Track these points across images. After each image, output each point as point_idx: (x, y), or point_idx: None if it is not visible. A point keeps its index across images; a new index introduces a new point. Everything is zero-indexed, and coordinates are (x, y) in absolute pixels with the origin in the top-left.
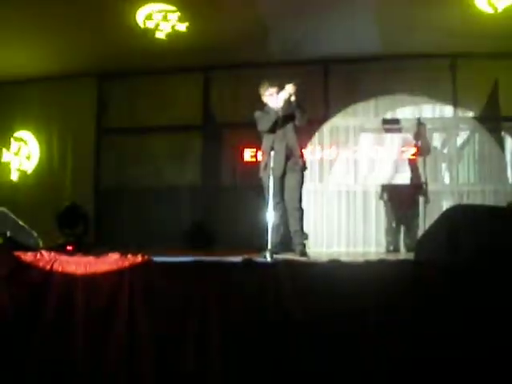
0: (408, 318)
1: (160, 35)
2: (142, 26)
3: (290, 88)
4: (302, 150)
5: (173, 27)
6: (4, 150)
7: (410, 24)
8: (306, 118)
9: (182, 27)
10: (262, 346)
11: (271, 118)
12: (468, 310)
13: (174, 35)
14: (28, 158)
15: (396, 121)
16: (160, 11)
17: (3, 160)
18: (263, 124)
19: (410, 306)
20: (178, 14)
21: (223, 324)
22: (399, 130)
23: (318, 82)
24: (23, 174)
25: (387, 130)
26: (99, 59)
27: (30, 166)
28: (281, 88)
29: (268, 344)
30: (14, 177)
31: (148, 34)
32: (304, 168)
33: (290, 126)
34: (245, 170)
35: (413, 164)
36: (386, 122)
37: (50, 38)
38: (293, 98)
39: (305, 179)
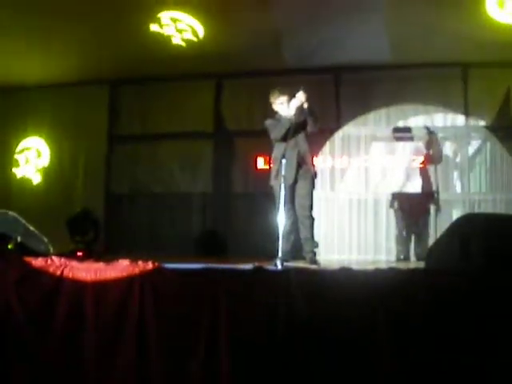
0: (419, 326)
1: (176, 41)
2: (155, 32)
3: (301, 95)
4: (314, 158)
5: (187, 34)
6: (16, 155)
7: (421, 32)
8: (317, 125)
9: (196, 34)
10: (271, 354)
11: (284, 126)
12: (481, 316)
13: (187, 42)
14: (39, 164)
15: (407, 129)
16: (174, 19)
17: (15, 166)
18: (276, 132)
19: (421, 314)
20: (193, 21)
21: (233, 331)
22: (410, 139)
23: (330, 91)
24: (35, 180)
25: (398, 139)
26: (111, 66)
27: (41, 172)
28: (291, 96)
29: (278, 351)
30: (26, 182)
31: (162, 40)
32: (315, 176)
33: (301, 134)
34: (256, 178)
35: (424, 173)
36: (397, 130)
37: (62, 45)
38: (305, 105)
39: (316, 187)
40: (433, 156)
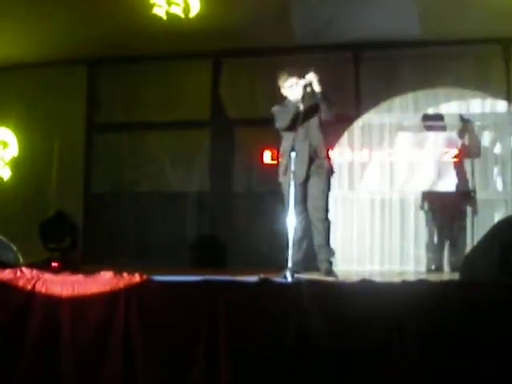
0: (452, 349)
1: (158, 11)
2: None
3: (310, 76)
4: (329, 151)
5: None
6: None
7: (455, 2)
8: (333, 112)
9: (188, 10)
10: (277, 371)
11: (290, 112)
12: None
13: (171, 16)
14: (6, 158)
15: (439, 117)
16: None
17: None
18: (281, 120)
19: (455, 334)
20: None
21: (235, 354)
22: (443, 128)
23: (348, 72)
24: (0, 178)
25: (429, 128)
26: (90, 42)
27: (8, 169)
28: (301, 77)
29: (285, 368)
30: None
31: (149, 11)
32: (331, 172)
33: (314, 122)
34: (261, 175)
35: (459, 168)
36: (427, 118)
37: (28, 17)
38: (316, 88)
39: (332, 185)
40: (469, 148)
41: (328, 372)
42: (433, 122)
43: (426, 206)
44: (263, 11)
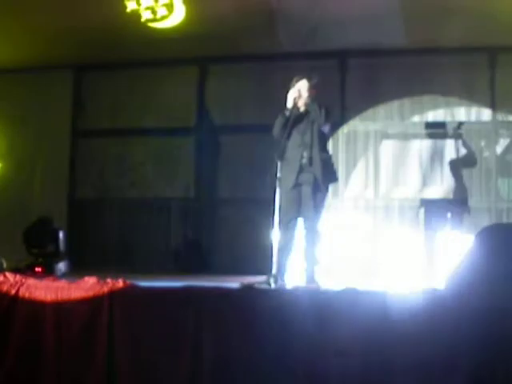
0: (437, 356)
1: (147, 16)
2: (128, 8)
3: (300, 84)
4: (330, 158)
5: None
6: None
7: (441, 12)
8: (327, 119)
9: (176, 11)
10: (262, 376)
11: (281, 120)
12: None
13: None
14: None
15: (427, 125)
16: None
17: None
18: (274, 128)
19: (440, 343)
20: None
21: (217, 359)
22: (430, 136)
23: (334, 79)
24: None
25: (416, 136)
26: (76, 48)
27: None
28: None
29: (269, 374)
30: None
31: (136, 17)
32: (333, 179)
33: (310, 130)
34: (247, 180)
35: (445, 175)
36: (414, 126)
37: (15, 23)
38: (305, 96)
39: (326, 195)
40: (464, 156)
41: (310, 375)
42: (435, 129)
43: (411, 213)
44: (250, 17)
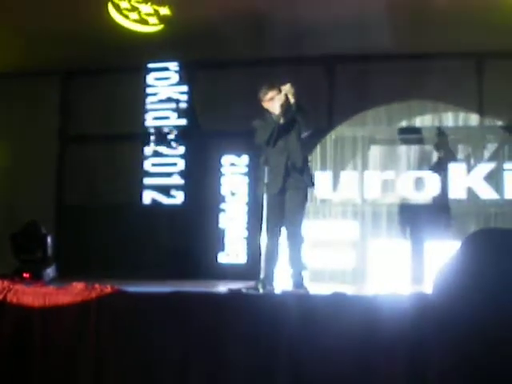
0: (426, 361)
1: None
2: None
3: (286, 89)
4: (308, 164)
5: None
6: None
7: (428, 18)
8: (309, 126)
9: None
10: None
11: (268, 128)
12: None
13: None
14: None
15: (416, 130)
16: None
17: None
18: (259, 136)
19: (427, 347)
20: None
21: (205, 363)
22: (419, 141)
23: (321, 84)
24: None
25: (404, 141)
26: (64, 53)
27: None
28: (280, 90)
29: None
30: None
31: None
32: (310, 184)
33: (292, 135)
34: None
35: (433, 180)
36: (402, 131)
37: (2, 28)
38: (291, 101)
39: (308, 199)
40: (443, 161)
41: (298, 379)
42: (408, 135)
43: (399, 218)
44: (237, 22)
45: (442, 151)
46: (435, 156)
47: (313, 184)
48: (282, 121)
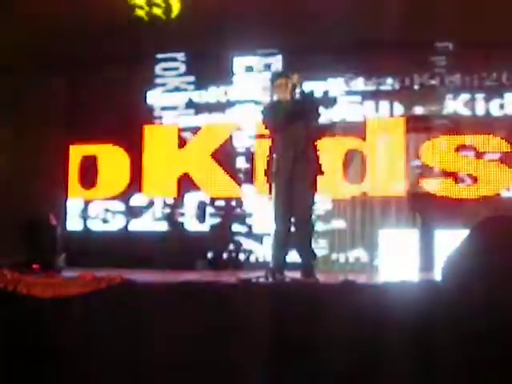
0: (435, 348)
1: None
2: None
3: (294, 78)
4: (317, 152)
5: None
6: None
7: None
8: (319, 115)
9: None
10: (256, 373)
11: (277, 113)
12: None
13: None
14: None
15: (424, 118)
16: None
17: None
18: (272, 119)
19: (436, 335)
20: None
21: (213, 351)
22: (427, 129)
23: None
24: None
25: (412, 129)
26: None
27: None
28: (289, 78)
29: (264, 371)
30: None
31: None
32: (318, 173)
33: (300, 124)
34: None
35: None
36: (411, 119)
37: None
38: (298, 90)
39: (318, 187)
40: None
41: (304, 372)
42: (418, 122)
43: (410, 206)
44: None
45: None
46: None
47: (322, 172)
48: (290, 108)
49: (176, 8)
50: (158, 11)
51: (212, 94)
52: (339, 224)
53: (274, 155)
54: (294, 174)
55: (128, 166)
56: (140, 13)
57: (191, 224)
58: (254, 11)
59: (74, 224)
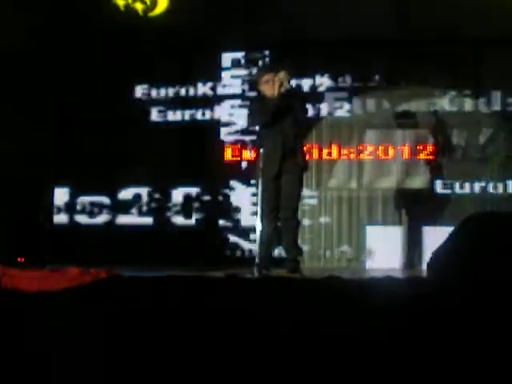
0: (419, 346)
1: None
2: None
3: (281, 74)
4: (303, 148)
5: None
6: None
7: (427, 2)
8: (305, 110)
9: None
10: (240, 373)
11: (269, 108)
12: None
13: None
14: None
15: (411, 115)
16: None
17: None
18: (259, 116)
19: (420, 332)
20: None
21: (200, 347)
22: (414, 126)
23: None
24: None
25: (400, 126)
26: None
27: None
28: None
29: (248, 371)
30: None
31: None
32: (305, 169)
33: (288, 120)
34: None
35: (428, 165)
36: (398, 116)
37: None
38: (287, 86)
39: (303, 183)
40: (439, 145)
41: (291, 369)
42: (404, 119)
43: (394, 203)
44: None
45: (438, 136)
46: (431, 140)
47: (307, 168)
48: (277, 104)
49: (163, 4)
50: (138, 6)
51: (199, 90)
52: (325, 220)
53: (262, 151)
54: (281, 170)
55: None
56: (119, 2)
57: (178, 218)
58: (242, 6)
59: (60, 217)
